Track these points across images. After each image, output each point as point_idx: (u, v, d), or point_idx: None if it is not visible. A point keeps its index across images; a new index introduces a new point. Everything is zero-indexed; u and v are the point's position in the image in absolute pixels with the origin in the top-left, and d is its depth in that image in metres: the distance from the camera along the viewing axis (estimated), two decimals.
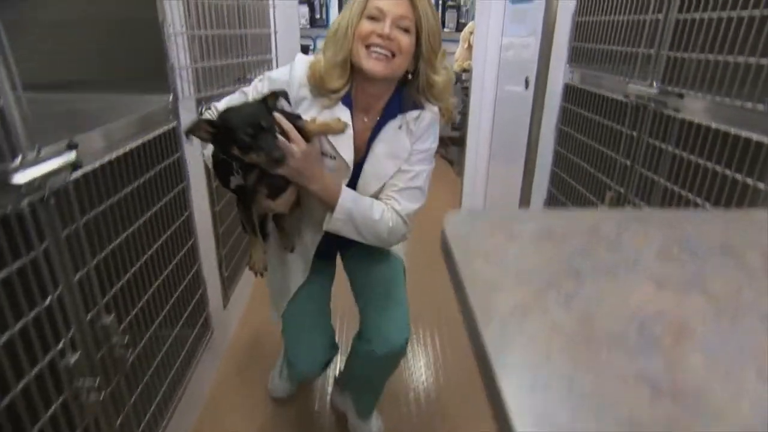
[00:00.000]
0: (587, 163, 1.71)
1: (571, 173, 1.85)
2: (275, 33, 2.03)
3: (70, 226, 0.86)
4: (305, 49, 4.23)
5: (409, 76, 1.08)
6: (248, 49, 1.82)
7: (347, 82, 1.04)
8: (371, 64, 0.99)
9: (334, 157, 1.08)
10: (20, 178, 0.72)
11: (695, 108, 1.17)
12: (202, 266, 1.49)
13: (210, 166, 1.07)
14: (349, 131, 1.06)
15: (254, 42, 1.91)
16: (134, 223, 1.09)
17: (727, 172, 1.05)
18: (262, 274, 1.13)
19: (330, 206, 1.06)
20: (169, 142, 1.26)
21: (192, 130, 0.92)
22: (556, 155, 1.99)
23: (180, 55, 1.31)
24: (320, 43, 4.53)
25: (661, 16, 1.30)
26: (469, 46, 3.72)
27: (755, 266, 0.53)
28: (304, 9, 4.15)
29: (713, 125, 1.09)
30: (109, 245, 0.99)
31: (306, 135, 1.01)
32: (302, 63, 1.08)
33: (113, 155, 0.99)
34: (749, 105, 0.99)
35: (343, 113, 1.06)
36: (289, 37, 2.47)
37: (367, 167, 1.10)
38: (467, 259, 0.53)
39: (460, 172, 3.36)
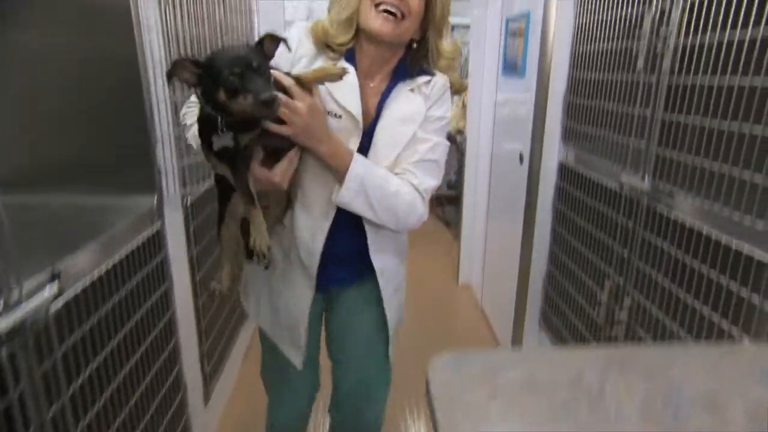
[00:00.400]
0: (585, 247, 1.77)
1: (570, 254, 1.90)
2: None
3: (47, 360, 0.88)
4: None
5: (414, 45, 1.08)
6: None
7: (352, 38, 1.03)
8: (379, 23, 0.97)
9: (340, 116, 1.02)
10: (2, 324, 0.74)
11: (686, 209, 1.23)
12: (183, 368, 1.49)
13: (194, 142, 1.02)
14: (353, 79, 1.02)
15: None
16: (114, 338, 1.11)
17: (723, 279, 1.10)
18: (264, 255, 0.99)
19: (340, 174, 1.00)
20: (153, 246, 1.30)
21: (173, 71, 0.84)
22: (554, 234, 2.05)
23: (166, 154, 1.38)
24: None
25: (648, 113, 1.39)
26: (464, 105, 3.88)
27: (736, 420, 0.56)
28: None
29: (705, 230, 1.15)
30: (86, 369, 1.01)
31: (304, 88, 0.96)
32: (299, 25, 1.08)
33: (95, 275, 1.02)
34: (737, 215, 1.05)
35: (346, 65, 1.03)
36: None
37: (380, 133, 1.05)
38: (449, 417, 0.57)
39: (457, 235, 3.42)
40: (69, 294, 0.94)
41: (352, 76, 1.01)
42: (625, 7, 1.49)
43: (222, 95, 0.83)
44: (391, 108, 1.06)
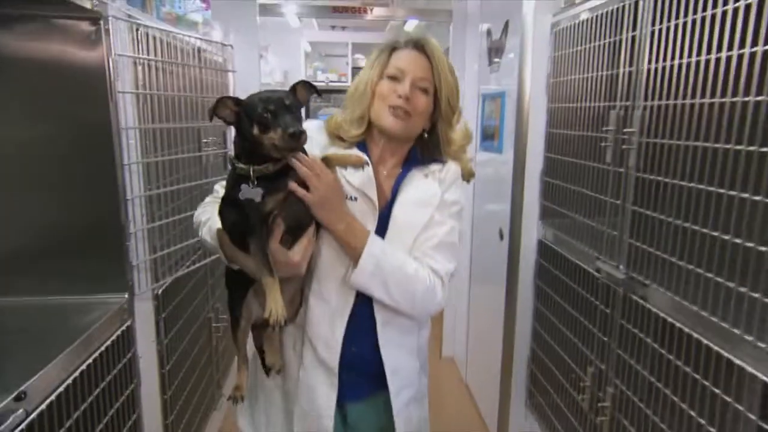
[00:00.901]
0: (567, 329, 1.86)
1: (552, 334, 1.99)
2: None
3: None
4: None
5: (425, 135, 1.18)
6: None
7: (365, 131, 1.14)
8: (390, 121, 1.09)
9: (356, 198, 1.10)
10: None
11: (660, 301, 1.35)
12: None
13: (209, 237, 1.09)
14: (369, 169, 1.11)
15: None
16: None
17: (699, 377, 1.19)
18: (281, 326, 1.01)
19: (355, 253, 1.04)
20: (123, 344, 1.34)
21: (216, 108, 0.96)
22: (536, 311, 2.15)
23: (140, 248, 1.44)
24: None
25: (619, 203, 1.54)
26: None
27: None
28: None
29: (678, 324, 1.26)
30: None
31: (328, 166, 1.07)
32: (309, 125, 1.12)
33: (62, 388, 1.06)
34: (706, 313, 1.17)
35: (358, 152, 1.14)
36: None
37: (397, 216, 1.12)
38: None
39: None
40: (33, 415, 0.97)
41: (368, 167, 1.11)
42: (594, 101, 1.67)
43: (256, 130, 0.94)
44: (407, 191, 1.14)
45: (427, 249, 1.11)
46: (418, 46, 1.11)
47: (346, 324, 1.10)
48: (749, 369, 1.04)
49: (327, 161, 1.07)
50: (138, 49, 1.48)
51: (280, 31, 4.36)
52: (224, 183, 1.15)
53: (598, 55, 1.66)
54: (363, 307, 1.10)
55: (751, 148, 1.04)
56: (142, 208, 1.47)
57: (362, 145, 1.16)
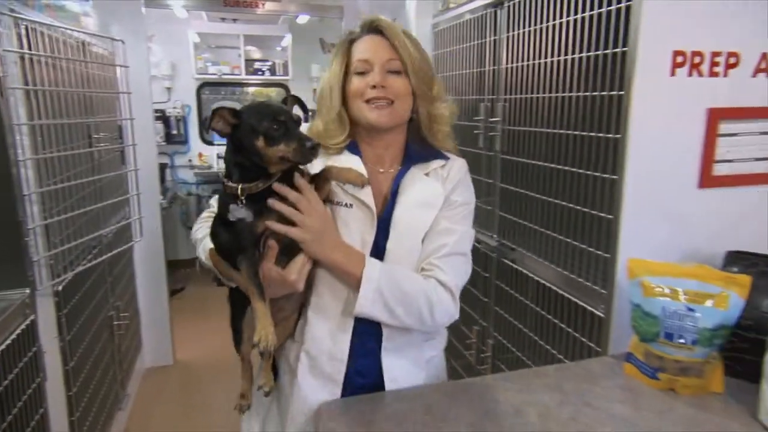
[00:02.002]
0: None
1: None
2: (138, 195, 2.24)
3: None
4: (162, 168, 4.42)
5: (413, 119, 1.12)
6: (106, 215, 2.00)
7: (348, 135, 1.09)
8: (374, 115, 1.04)
9: (351, 205, 1.05)
10: None
11: (526, 263, 1.67)
12: None
13: (204, 255, 1.06)
14: (361, 168, 1.07)
15: (113, 207, 2.12)
16: None
17: (555, 320, 1.52)
18: (270, 353, 1.00)
19: (354, 281, 1.00)
20: (27, 338, 1.38)
21: (211, 120, 0.92)
22: None
23: (39, 243, 1.47)
24: (176, 159, 4.72)
25: (491, 181, 1.84)
26: None
27: (533, 425, 0.90)
28: (159, 126, 4.41)
29: (540, 280, 1.58)
30: None
31: (322, 182, 1.03)
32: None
33: None
34: (561, 269, 1.49)
35: (351, 160, 1.08)
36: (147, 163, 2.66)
37: (398, 220, 1.06)
38: None
39: None
40: None
41: (362, 169, 1.06)
42: (468, 94, 1.97)
43: (261, 142, 0.91)
44: (407, 193, 1.08)
45: (435, 260, 1.05)
46: (373, 28, 1.07)
47: (351, 336, 1.06)
48: (589, 308, 1.36)
49: (327, 173, 1.03)
50: (24, 45, 1.49)
51: (165, 21, 4.27)
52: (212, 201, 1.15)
53: (470, 54, 1.95)
54: (366, 320, 1.05)
55: (583, 133, 1.35)
56: (39, 204, 1.50)
57: (354, 145, 1.11)
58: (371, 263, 1.00)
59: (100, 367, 2.05)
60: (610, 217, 1.25)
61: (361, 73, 1.05)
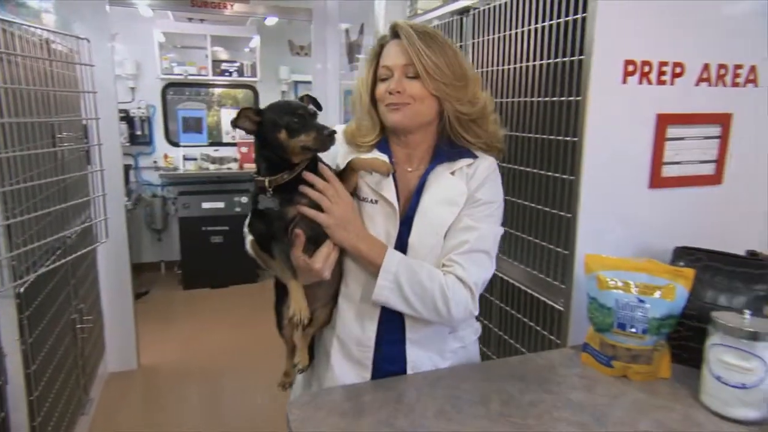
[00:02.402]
0: None
1: None
2: (102, 196, 2.20)
3: None
4: (126, 169, 4.33)
5: (440, 120, 1.15)
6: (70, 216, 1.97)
7: (379, 134, 1.16)
8: (391, 117, 1.11)
9: (375, 201, 1.12)
10: None
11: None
12: None
13: (251, 249, 1.13)
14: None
15: (75, 208, 2.08)
16: None
17: (519, 315, 1.59)
18: (304, 326, 1.06)
19: (375, 270, 1.05)
20: None
21: (237, 120, 1.02)
22: None
23: (0, 244, 1.45)
24: (141, 161, 4.66)
25: None
26: None
27: (495, 411, 0.96)
28: (122, 126, 4.32)
29: (505, 278, 1.65)
30: None
31: (349, 174, 1.10)
32: (339, 126, 1.19)
33: None
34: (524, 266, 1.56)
35: (381, 156, 1.14)
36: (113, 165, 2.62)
37: (419, 216, 1.11)
38: None
39: None
40: None
41: (385, 166, 1.10)
42: None
43: (284, 135, 1.01)
44: (430, 191, 1.12)
45: (455, 256, 1.08)
46: (393, 33, 1.12)
47: (377, 324, 1.12)
48: (550, 303, 1.43)
49: (352, 164, 1.10)
50: None
51: (129, 20, 4.20)
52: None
53: None
54: (389, 310, 1.10)
55: (544, 136, 1.42)
56: (0, 204, 1.47)
57: (384, 145, 1.16)
58: (391, 254, 1.06)
59: (63, 370, 2.01)
60: (568, 215, 1.33)
61: (384, 80, 1.11)
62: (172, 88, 4.80)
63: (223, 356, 3.28)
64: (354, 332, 1.13)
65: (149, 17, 4.32)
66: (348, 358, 1.15)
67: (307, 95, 1.12)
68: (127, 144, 4.41)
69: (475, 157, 1.15)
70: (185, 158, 4.67)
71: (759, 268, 1.15)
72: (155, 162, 4.71)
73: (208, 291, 4.43)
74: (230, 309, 4.12)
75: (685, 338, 1.16)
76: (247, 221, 1.23)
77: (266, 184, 1.03)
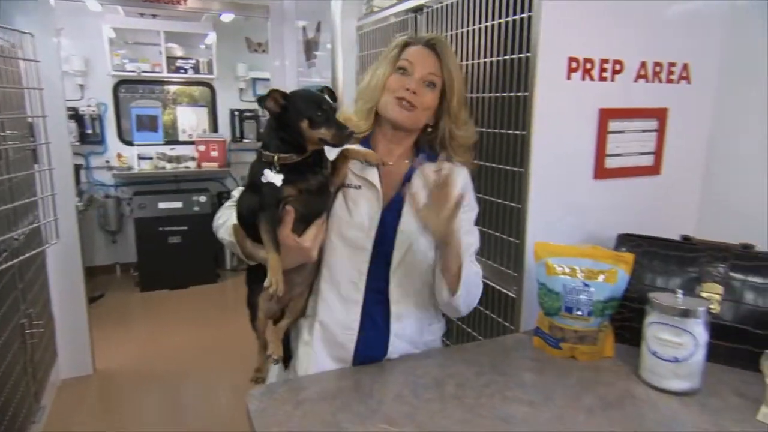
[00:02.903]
0: None
1: None
2: (52, 196, 2.13)
3: None
4: (77, 169, 4.17)
5: (429, 129, 1.23)
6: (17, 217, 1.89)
7: (370, 126, 1.21)
8: (396, 112, 1.15)
9: (359, 186, 1.17)
10: None
11: None
12: None
13: (226, 234, 1.15)
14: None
15: (22, 209, 2.00)
16: None
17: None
18: (279, 297, 1.08)
19: (456, 271, 1.10)
20: None
21: (264, 99, 1.05)
22: None
23: None
24: (92, 160, 4.50)
25: None
26: None
27: (450, 394, 1.00)
28: (71, 125, 4.15)
29: None
30: None
31: (341, 162, 1.15)
32: None
33: None
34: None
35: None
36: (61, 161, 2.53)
37: (406, 216, 1.17)
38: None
39: None
40: None
41: (376, 156, 1.17)
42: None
43: (305, 124, 1.05)
44: (418, 182, 1.16)
45: (468, 257, 1.16)
46: (430, 44, 1.19)
47: (361, 308, 1.17)
48: (504, 290, 1.49)
49: (346, 153, 1.15)
50: None
51: (76, 14, 4.05)
52: (234, 193, 1.26)
53: None
54: (374, 294, 1.17)
55: (495, 130, 1.47)
56: None
57: (366, 142, 1.22)
58: (465, 259, 1.12)
59: (12, 377, 1.93)
60: (519, 206, 1.38)
61: (402, 70, 1.17)
62: (124, 85, 4.65)
63: (183, 358, 3.22)
64: (338, 315, 1.17)
65: (98, 12, 4.18)
66: (331, 343, 1.18)
67: (327, 87, 1.16)
68: (77, 143, 4.25)
69: (452, 162, 1.23)
70: (140, 157, 4.54)
71: (692, 252, 1.24)
72: (108, 161, 4.57)
73: (167, 292, 4.33)
74: (190, 310, 4.04)
75: (628, 319, 1.24)
76: (218, 214, 1.26)
77: (275, 159, 1.07)
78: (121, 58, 4.50)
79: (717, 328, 1.13)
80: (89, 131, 4.37)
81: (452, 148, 1.23)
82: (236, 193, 1.25)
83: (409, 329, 1.20)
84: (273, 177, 1.06)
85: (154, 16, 4.42)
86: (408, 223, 1.16)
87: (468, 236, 1.18)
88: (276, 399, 1.00)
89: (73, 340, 2.85)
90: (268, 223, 1.06)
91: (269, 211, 1.07)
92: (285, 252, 1.06)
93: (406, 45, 1.20)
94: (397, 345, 1.20)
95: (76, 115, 4.25)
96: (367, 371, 1.12)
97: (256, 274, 1.12)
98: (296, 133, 1.06)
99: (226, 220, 1.20)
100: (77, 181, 4.16)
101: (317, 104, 1.07)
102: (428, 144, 1.25)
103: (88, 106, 4.39)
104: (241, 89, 5.07)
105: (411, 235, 1.17)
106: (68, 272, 2.77)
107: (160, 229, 4.29)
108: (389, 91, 1.17)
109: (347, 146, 1.14)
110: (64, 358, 2.83)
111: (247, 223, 1.12)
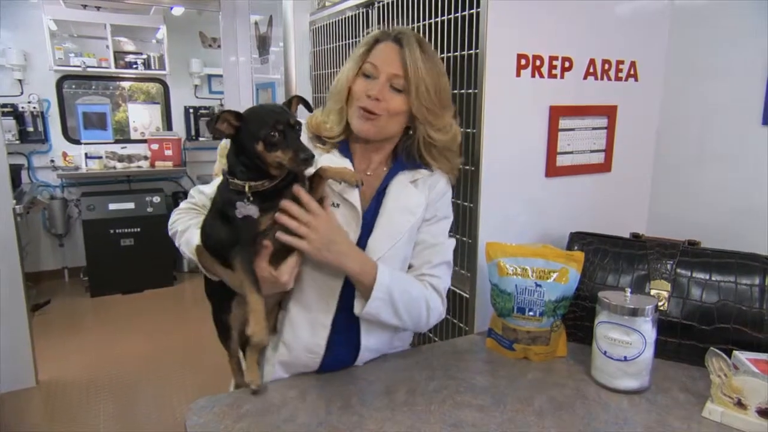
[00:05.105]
0: None
1: None
2: None
3: None
4: (17, 170, 3.94)
5: (410, 131, 1.13)
6: None
7: (344, 130, 1.12)
8: (359, 124, 1.06)
9: (338, 205, 1.08)
10: None
11: None
12: None
13: (187, 248, 1.07)
14: (351, 169, 1.09)
15: None
16: None
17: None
18: (263, 347, 1.03)
19: (365, 286, 1.03)
20: None
21: (215, 122, 0.95)
22: None
23: None
24: (35, 160, 4.29)
25: None
26: None
27: (400, 401, 0.97)
28: (10, 122, 3.91)
29: None
30: None
31: (317, 181, 1.05)
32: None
33: None
34: None
35: (343, 162, 1.10)
36: None
37: (381, 222, 1.10)
38: None
39: None
40: None
41: (355, 177, 1.06)
42: None
43: (260, 147, 0.94)
44: (392, 197, 1.12)
45: (428, 270, 1.13)
46: (397, 39, 1.06)
47: (330, 331, 1.10)
48: (458, 291, 1.47)
49: (323, 172, 1.05)
50: None
51: (12, 5, 3.83)
52: (201, 188, 1.18)
53: (346, 52, 2.00)
54: (345, 314, 1.09)
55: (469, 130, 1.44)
56: None
57: (345, 145, 1.14)
58: (383, 269, 1.04)
59: None
60: (471, 205, 1.36)
61: (367, 76, 1.07)
62: (68, 80, 4.43)
63: (136, 366, 3.08)
64: (303, 338, 1.09)
65: (36, 2, 3.95)
66: (294, 365, 1.11)
67: (297, 96, 1.06)
68: (17, 142, 4.02)
69: (431, 170, 1.16)
70: (88, 156, 4.33)
71: (641, 249, 1.24)
72: (53, 161, 4.34)
73: (120, 297, 4.16)
74: (144, 315, 3.89)
75: (580, 318, 1.24)
76: (174, 217, 1.18)
77: (246, 189, 0.97)
78: (64, 52, 4.28)
79: (665, 325, 1.14)
80: (30, 129, 4.13)
81: (431, 155, 1.14)
82: (194, 193, 1.19)
83: (380, 341, 1.16)
84: (248, 209, 0.97)
85: (98, 8, 4.21)
86: (377, 239, 1.09)
87: (432, 249, 1.14)
88: (216, 413, 0.94)
89: (13, 351, 2.68)
90: (245, 263, 0.97)
91: (246, 247, 0.98)
92: (260, 282, 0.99)
93: (376, 41, 1.09)
94: (367, 356, 1.16)
95: (14, 112, 4.01)
96: (317, 380, 1.07)
97: (220, 289, 1.05)
98: (254, 156, 0.96)
99: (185, 228, 1.11)
100: (18, 182, 3.94)
101: (272, 123, 0.94)
102: (405, 151, 1.15)
103: (29, 102, 4.14)
104: (196, 86, 4.92)
105: (378, 252, 1.08)
106: (6, 279, 2.60)
107: (112, 231, 4.11)
108: (354, 99, 1.08)
109: (323, 165, 1.06)
110: (4, 371, 2.67)
111: (214, 250, 1.03)
